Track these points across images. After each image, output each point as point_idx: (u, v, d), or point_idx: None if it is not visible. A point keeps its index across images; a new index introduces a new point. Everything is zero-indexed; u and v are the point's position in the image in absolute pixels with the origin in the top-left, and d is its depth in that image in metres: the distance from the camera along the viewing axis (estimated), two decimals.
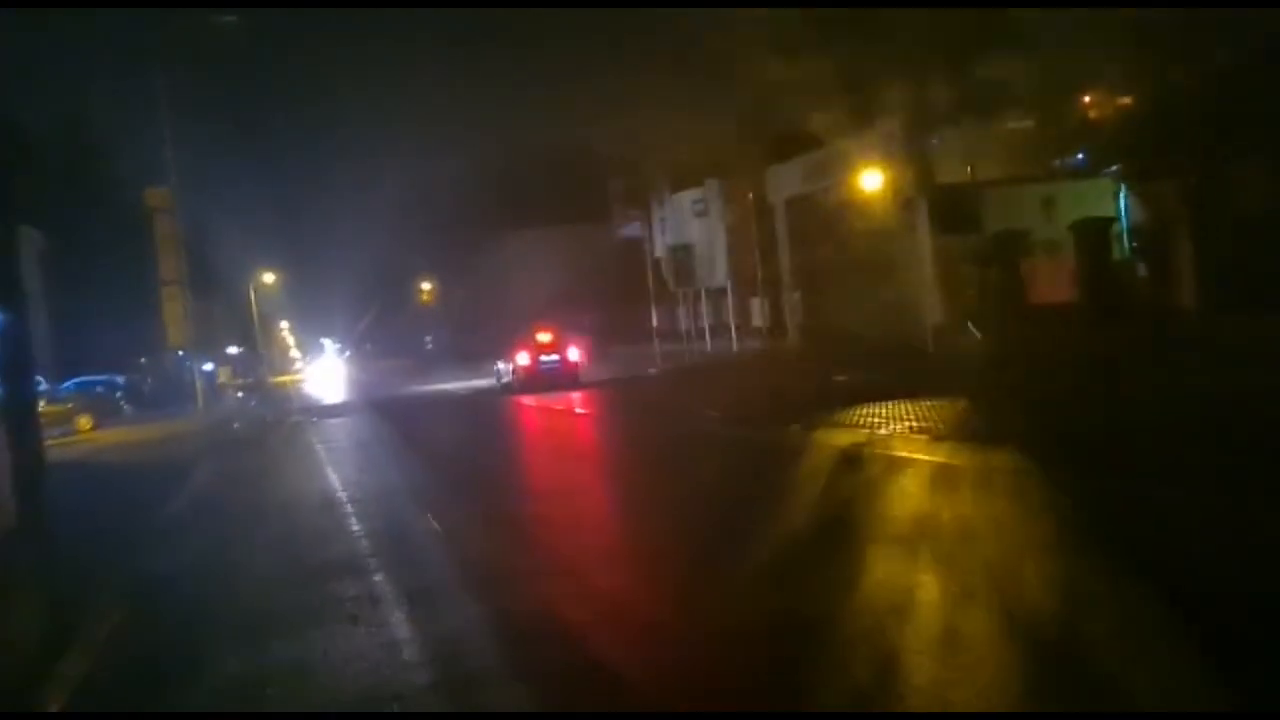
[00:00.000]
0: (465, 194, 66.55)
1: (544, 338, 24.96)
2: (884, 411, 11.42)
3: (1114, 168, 31.01)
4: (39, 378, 33.04)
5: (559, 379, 24.18)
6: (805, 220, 29.26)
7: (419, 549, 7.32)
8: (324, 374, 44.90)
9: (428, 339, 76.78)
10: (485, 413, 21.60)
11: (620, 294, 42.39)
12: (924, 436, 9.54)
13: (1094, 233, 19.25)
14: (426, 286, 77.89)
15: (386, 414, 23.16)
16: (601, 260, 48.33)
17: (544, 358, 24.69)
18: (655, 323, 39.04)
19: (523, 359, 24.79)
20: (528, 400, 21.87)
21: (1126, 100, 23.48)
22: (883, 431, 10.19)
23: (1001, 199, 28.20)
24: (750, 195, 30.93)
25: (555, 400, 20.80)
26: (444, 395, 29.43)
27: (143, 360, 46.83)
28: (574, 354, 25.51)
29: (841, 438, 10.00)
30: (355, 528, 8.37)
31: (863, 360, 20.22)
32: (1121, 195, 31.83)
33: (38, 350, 39.12)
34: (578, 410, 19.31)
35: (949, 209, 27.87)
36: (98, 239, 42.35)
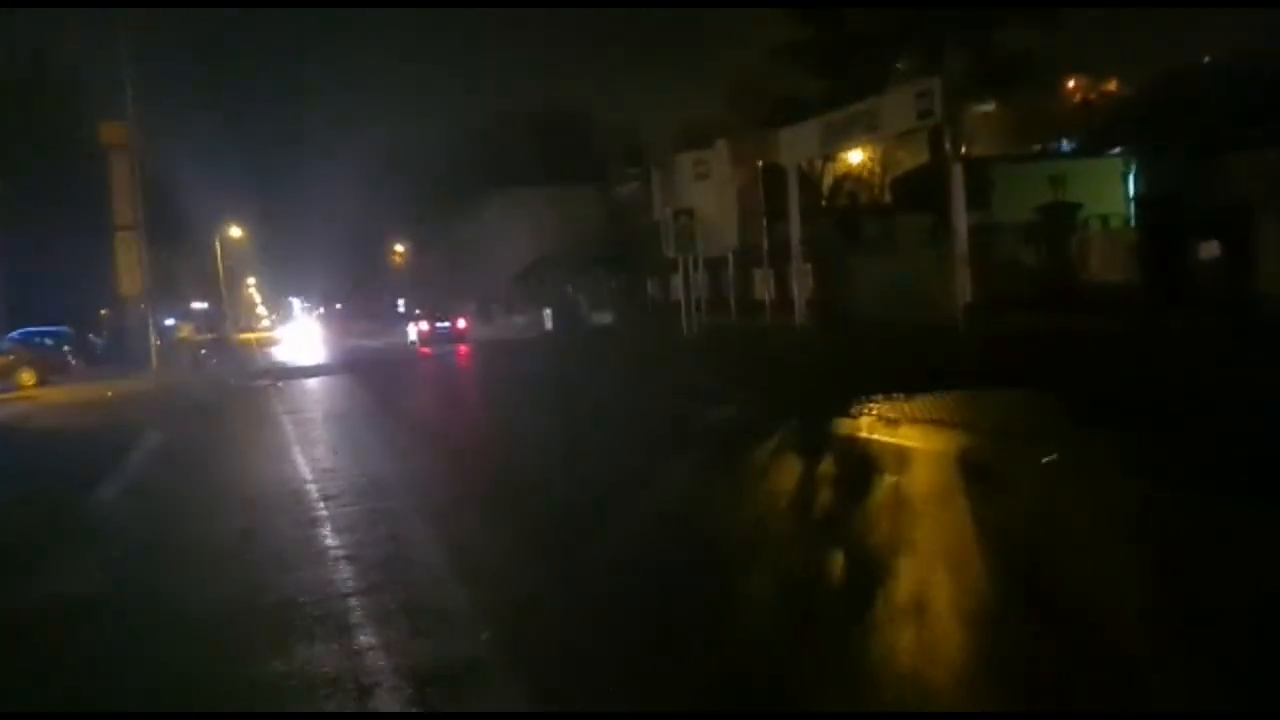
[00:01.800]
0: (447, 154, 64.02)
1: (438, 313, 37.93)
2: (959, 403, 9.30)
3: (1116, 149, 29.66)
4: None
5: (451, 338, 35.34)
6: (819, 187, 27.36)
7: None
8: (295, 334, 42.87)
9: (399, 301, 74.33)
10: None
11: (611, 259, 40.28)
12: (1049, 441, 7.41)
13: (1163, 209, 17.33)
14: (399, 249, 75.45)
15: (348, 372, 23.82)
16: (591, 224, 46.09)
17: (439, 324, 36.74)
18: (650, 290, 37.14)
19: (424, 325, 37.08)
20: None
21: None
22: (987, 429, 8.07)
23: (1005, 177, 26.42)
24: (760, 161, 28.90)
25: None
26: (378, 351, 34.53)
27: (103, 313, 44.07)
28: (461, 323, 37.42)
29: (933, 439, 7.95)
30: (328, 539, 6.30)
31: (885, 340, 18.35)
32: (1131, 174, 30.35)
33: None
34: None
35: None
36: (55, 182, 39.30)
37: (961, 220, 20.68)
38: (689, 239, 27.74)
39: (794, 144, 25.92)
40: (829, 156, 24.67)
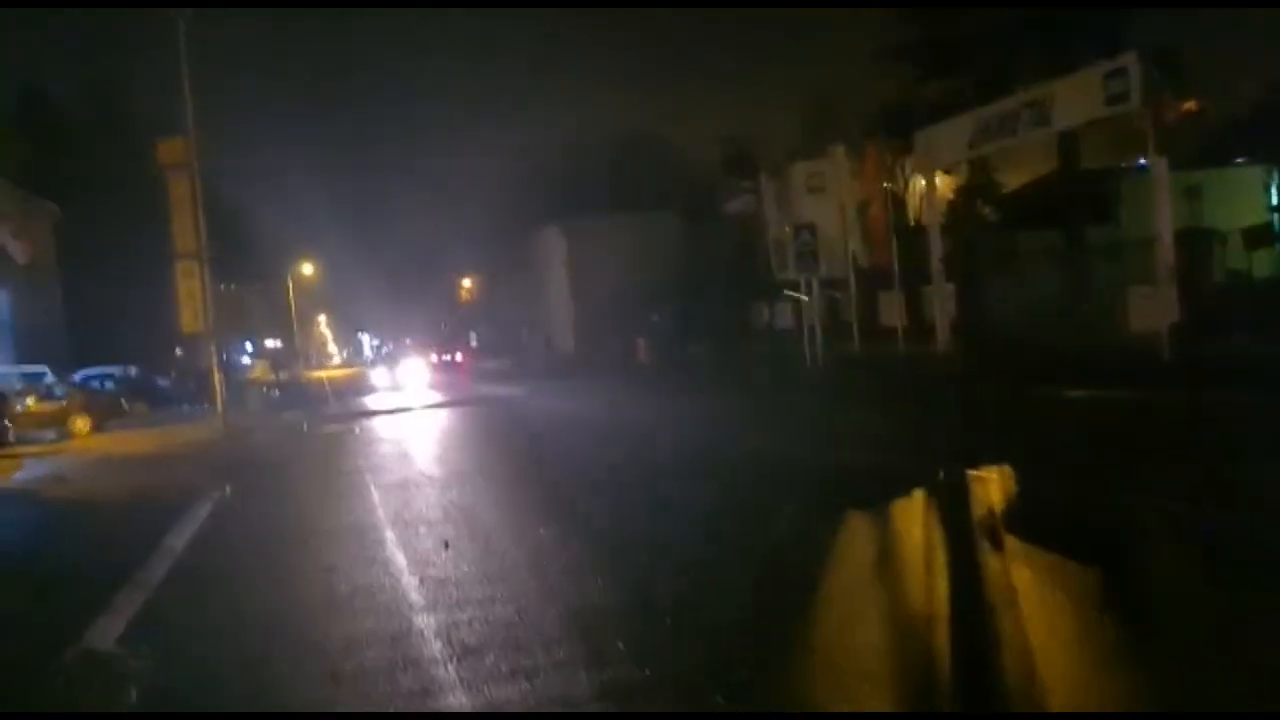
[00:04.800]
0: (517, 183, 61.77)
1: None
2: None
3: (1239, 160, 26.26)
4: (45, 369, 28.68)
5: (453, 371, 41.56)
6: (966, 193, 24.03)
7: None
8: (400, 375, 36.86)
9: (472, 335, 72.21)
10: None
11: (699, 285, 37.17)
12: None
13: None
14: (466, 283, 73.37)
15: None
16: (674, 250, 43.09)
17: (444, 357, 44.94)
18: (750, 317, 33.84)
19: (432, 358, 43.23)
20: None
21: None
22: None
23: (1133, 190, 23.12)
24: (884, 170, 25.67)
25: None
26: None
27: (178, 352, 42.18)
28: (459, 357, 44.77)
29: None
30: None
31: (1068, 371, 14.87)
32: (1275, 184, 26.79)
33: (48, 337, 34.84)
34: None
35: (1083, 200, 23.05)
36: (130, 216, 37.45)
37: (1166, 228, 17.12)
38: (811, 258, 24.49)
39: (934, 146, 22.56)
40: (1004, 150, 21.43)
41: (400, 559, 6.79)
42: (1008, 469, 7.38)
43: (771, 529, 6.34)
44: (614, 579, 5.80)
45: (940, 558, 5.60)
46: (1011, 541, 5.45)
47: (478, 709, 3.93)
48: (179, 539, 7.93)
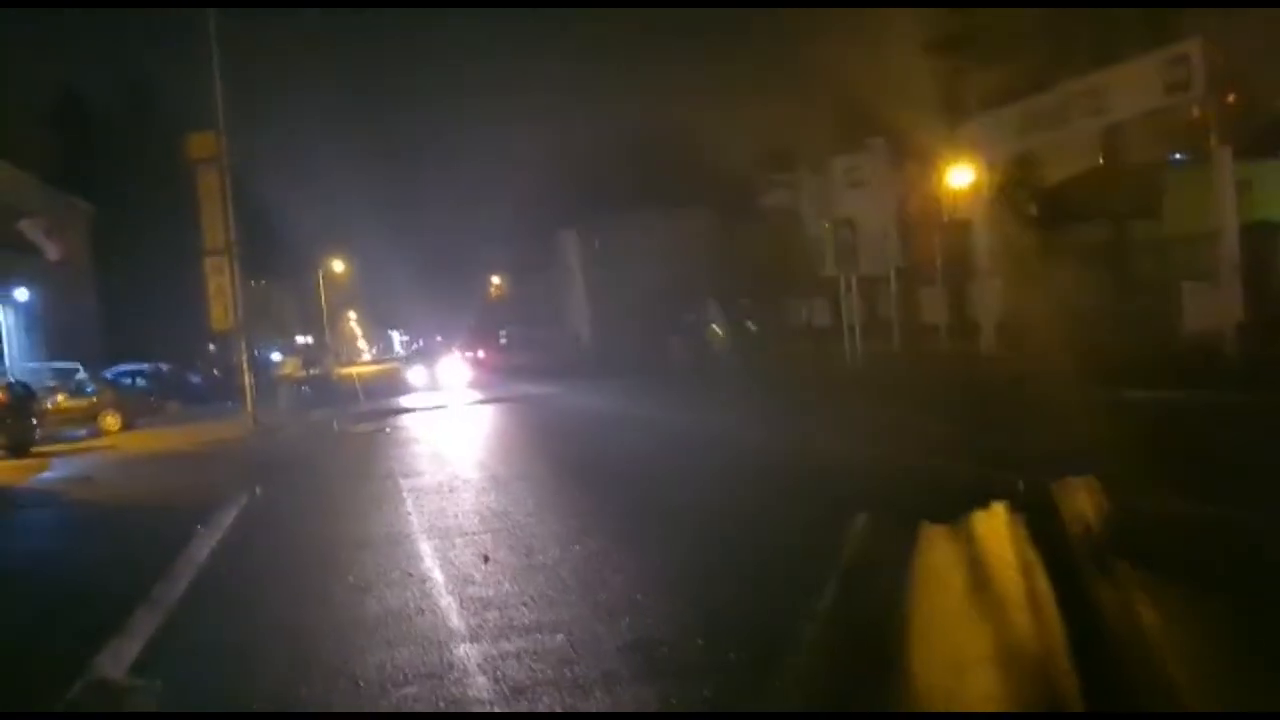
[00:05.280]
0: (546, 180, 61.26)
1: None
2: None
3: None
4: (77, 366, 28.56)
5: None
6: (1007, 187, 23.23)
7: None
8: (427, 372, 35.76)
9: (502, 334, 71.90)
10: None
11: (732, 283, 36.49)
12: None
13: None
14: (496, 281, 73.04)
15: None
16: (706, 247, 42.42)
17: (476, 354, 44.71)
18: (785, 316, 33.14)
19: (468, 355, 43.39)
20: None
21: None
22: None
23: (1178, 184, 22.25)
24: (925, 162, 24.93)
25: None
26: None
27: (211, 347, 42.10)
28: (480, 353, 44.42)
29: None
30: None
31: (1125, 372, 14.12)
32: None
33: (81, 333, 34.82)
34: None
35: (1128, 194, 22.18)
36: (164, 211, 37.33)
37: (1231, 222, 16.39)
38: (850, 254, 23.81)
39: (982, 138, 21.87)
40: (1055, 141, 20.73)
41: (437, 575, 6.29)
42: (1093, 480, 6.67)
43: (847, 545, 5.76)
44: (674, 599, 5.26)
45: (1041, 585, 5.01)
46: (1120, 565, 4.87)
47: None
48: (202, 549, 7.48)
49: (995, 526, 5.95)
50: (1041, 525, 5.91)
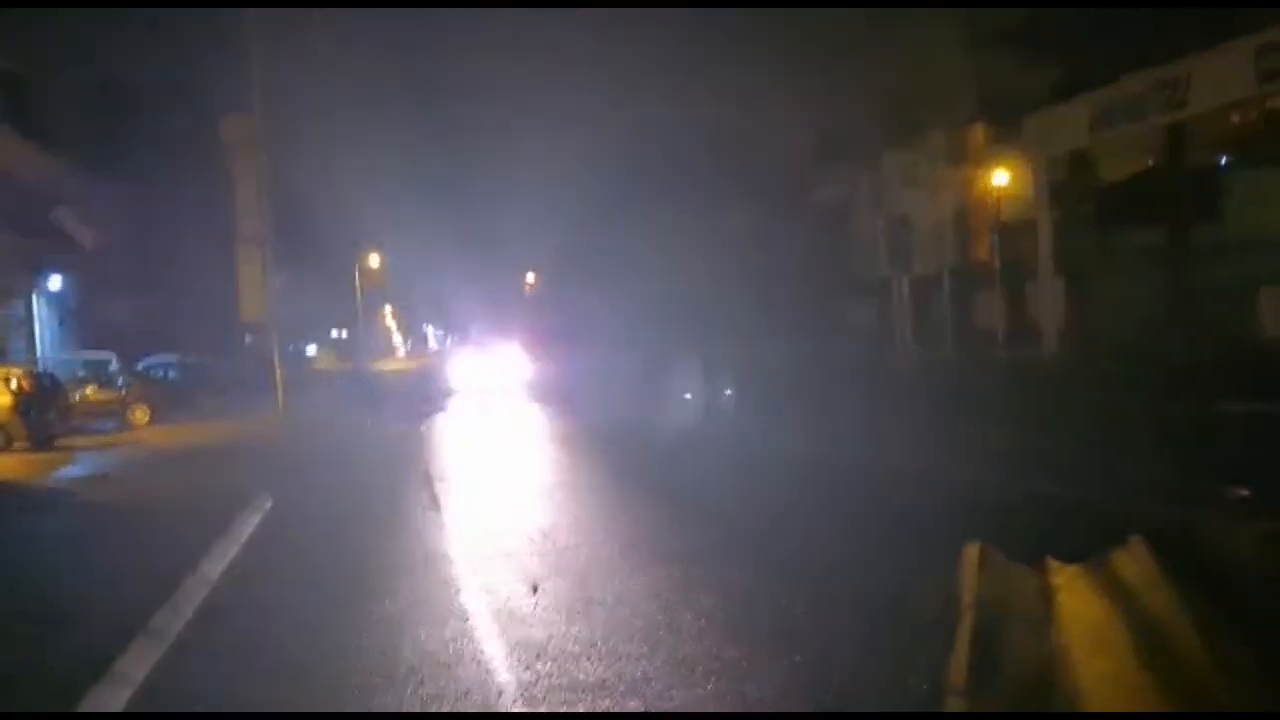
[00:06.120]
0: (590, 177, 60.42)
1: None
2: None
3: None
4: (111, 355, 28.14)
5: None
6: (1065, 187, 22.10)
7: None
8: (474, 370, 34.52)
9: (536, 330, 71.22)
10: None
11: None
12: None
13: None
14: (530, 278, 72.49)
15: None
16: (744, 242, 41.43)
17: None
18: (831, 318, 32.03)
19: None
20: None
21: None
22: None
23: (1241, 185, 20.97)
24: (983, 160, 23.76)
25: None
26: None
27: (247, 339, 41.70)
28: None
29: None
30: None
31: (1208, 381, 12.96)
32: None
33: (114, 323, 34.48)
34: None
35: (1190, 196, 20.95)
36: (196, 198, 36.84)
37: None
38: (906, 254, 22.81)
39: (1049, 133, 20.73)
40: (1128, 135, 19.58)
41: (480, 605, 5.44)
42: (1239, 509, 5.76)
43: (961, 583, 4.83)
44: (756, 642, 4.37)
45: (1212, 637, 4.09)
46: None
47: None
48: (216, 565, 6.69)
49: (1132, 563, 4.97)
50: (1195, 564, 4.94)
